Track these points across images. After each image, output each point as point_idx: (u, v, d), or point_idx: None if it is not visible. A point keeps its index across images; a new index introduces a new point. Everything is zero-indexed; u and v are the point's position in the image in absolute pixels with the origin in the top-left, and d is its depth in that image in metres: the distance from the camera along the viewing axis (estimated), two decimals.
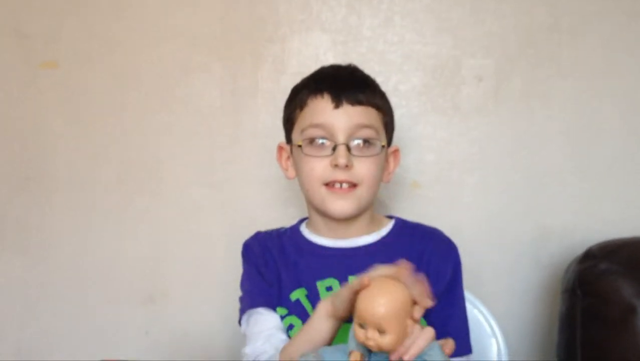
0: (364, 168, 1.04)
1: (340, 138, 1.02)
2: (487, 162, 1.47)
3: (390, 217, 1.18)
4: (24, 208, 1.57)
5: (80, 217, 1.56)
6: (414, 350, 0.80)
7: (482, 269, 1.48)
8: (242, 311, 1.10)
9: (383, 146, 1.08)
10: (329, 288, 1.06)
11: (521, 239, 1.47)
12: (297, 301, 1.06)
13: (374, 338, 0.78)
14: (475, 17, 1.45)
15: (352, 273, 1.00)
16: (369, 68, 1.44)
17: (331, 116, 1.03)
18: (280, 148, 1.16)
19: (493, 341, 1.26)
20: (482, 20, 1.45)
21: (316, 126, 1.04)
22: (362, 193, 1.05)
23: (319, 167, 1.04)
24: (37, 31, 1.54)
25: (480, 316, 1.27)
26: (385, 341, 0.78)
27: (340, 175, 1.03)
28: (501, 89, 1.46)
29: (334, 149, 1.03)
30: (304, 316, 1.03)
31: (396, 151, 1.16)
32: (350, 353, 0.81)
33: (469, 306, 1.27)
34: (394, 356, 0.80)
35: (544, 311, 1.48)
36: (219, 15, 1.49)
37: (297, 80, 1.46)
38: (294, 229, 1.17)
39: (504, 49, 1.45)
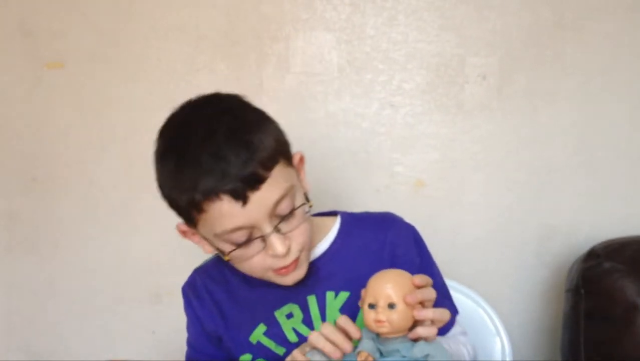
0: (300, 238, 0.92)
1: (266, 228, 0.88)
2: (490, 160, 1.47)
3: (335, 213, 1.08)
4: (32, 207, 1.59)
5: (87, 216, 1.58)
6: (427, 313, 0.81)
7: (486, 268, 1.49)
8: (187, 359, 1.09)
9: (310, 206, 0.95)
10: (289, 315, 0.99)
11: (525, 237, 1.48)
12: (259, 343, 0.99)
13: (384, 313, 0.80)
14: (479, 15, 1.44)
15: (310, 293, 0.99)
16: (373, 67, 1.46)
17: (244, 215, 0.86)
18: (183, 232, 0.98)
19: (497, 340, 1.26)
20: (486, 18, 1.44)
21: (233, 231, 0.87)
22: (306, 255, 0.96)
23: (257, 263, 0.92)
24: (43, 31, 1.54)
25: (484, 315, 1.27)
26: (395, 316, 0.80)
27: (284, 261, 0.91)
28: (505, 87, 1.45)
29: (263, 240, 0.89)
30: (270, 356, 0.98)
31: (300, 159, 0.99)
32: (358, 354, 0.82)
33: (472, 305, 1.28)
34: (411, 334, 0.82)
35: (548, 310, 1.49)
36: (224, 14, 1.50)
37: (301, 79, 1.48)
38: None
39: (508, 46, 1.44)
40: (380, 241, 1.02)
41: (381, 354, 0.84)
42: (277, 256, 0.90)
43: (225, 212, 0.86)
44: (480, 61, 1.45)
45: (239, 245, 0.89)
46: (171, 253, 1.55)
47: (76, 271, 1.59)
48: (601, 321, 1.25)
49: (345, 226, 1.05)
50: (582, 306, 1.27)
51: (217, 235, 0.89)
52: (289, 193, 0.89)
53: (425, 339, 0.82)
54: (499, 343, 1.26)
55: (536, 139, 1.46)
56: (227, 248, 0.91)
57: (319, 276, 1.00)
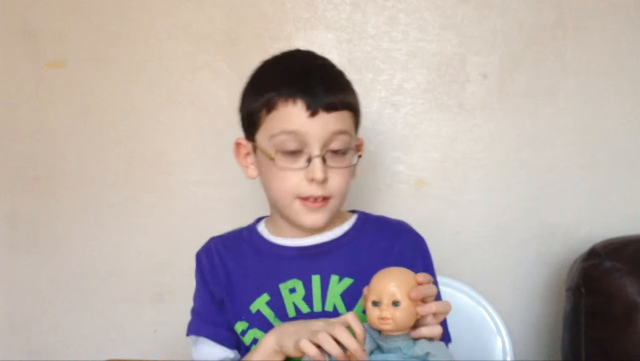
0: (338, 180, 0.98)
1: (316, 150, 0.95)
2: (491, 159, 1.47)
3: (354, 211, 1.13)
4: (33, 206, 1.59)
5: (88, 215, 1.58)
6: (430, 307, 0.83)
7: (487, 267, 1.49)
8: (190, 327, 1.10)
9: (359, 155, 1.02)
10: (292, 290, 1.02)
11: (526, 236, 1.48)
12: (258, 312, 1.02)
13: (388, 310, 0.80)
14: (480, 14, 1.45)
15: (315, 272, 1.02)
16: (374, 66, 1.46)
17: (306, 125, 0.95)
18: (238, 145, 1.06)
19: (498, 339, 1.27)
20: (487, 17, 1.45)
21: (289, 133, 0.95)
22: (334, 205, 1.00)
23: (292, 180, 0.97)
24: (44, 30, 1.54)
25: (485, 314, 1.28)
26: (399, 313, 0.81)
27: (316, 190, 0.96)
28: (506, 86, 1.46)
29: (308, 160, 0.96)
30: (266, 328, 0.99)
31: (360, 144, 1.07)
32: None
33: (473, 303, 1.29)
34: (415, 334, 0.83)
35: (549, 309, 1.49)
36: (225, 14, 1.50)
37: None
38: (252, 230, 1.11)
39: (509, 45, 1.45)
40: (390, 244, 1.05)
41: (382, 351, 0.84)
42: (313, 181, 0.96)
43: (294, 114, 0.95)
44: (481, 60, 1.45)
45: (286, 153, 0.97)
46: (173, 252, 1.56)
47: (77, 270, 1.59)
48: (602, 320, 1.25)
49: (361, 222, 1.10)
50: (583, 305, 1.28)
51: (272, 136, 0.97)
52: (347, 134, 0.98)
53: (430, 339, 0.83)
54: (500, 341, 1.27)
55: (537, 138, 1.46)
56: (276, 155, 0.97)
57: (327, 258, 1.04)
